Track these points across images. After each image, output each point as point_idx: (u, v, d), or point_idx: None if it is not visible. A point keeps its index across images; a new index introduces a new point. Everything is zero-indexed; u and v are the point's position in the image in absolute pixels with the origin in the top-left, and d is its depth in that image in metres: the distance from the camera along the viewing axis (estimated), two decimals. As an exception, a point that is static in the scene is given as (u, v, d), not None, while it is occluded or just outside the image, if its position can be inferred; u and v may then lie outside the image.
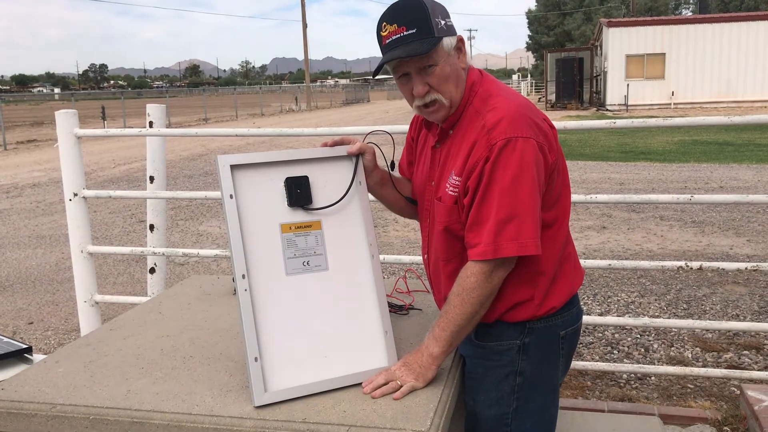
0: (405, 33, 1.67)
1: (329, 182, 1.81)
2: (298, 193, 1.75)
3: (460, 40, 1.76)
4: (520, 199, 1.62)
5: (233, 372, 1.80)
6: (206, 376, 1.78)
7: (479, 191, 1.66)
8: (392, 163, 2.01)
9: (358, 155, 1.85)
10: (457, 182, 1.72)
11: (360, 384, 1.70)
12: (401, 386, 1.66)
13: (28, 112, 44.50)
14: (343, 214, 1.81)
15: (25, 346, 2.37)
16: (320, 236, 1.77)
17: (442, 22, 1.70)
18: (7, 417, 1.67)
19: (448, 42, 1.72)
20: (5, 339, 2.46)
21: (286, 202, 1.75)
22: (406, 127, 2.12)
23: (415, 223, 2.06)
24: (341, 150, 1.84)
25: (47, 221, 9.33)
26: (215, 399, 1.65)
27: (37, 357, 2.34)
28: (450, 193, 1.75)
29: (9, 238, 8.35)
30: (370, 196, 1.95)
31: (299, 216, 1.76)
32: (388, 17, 1.70)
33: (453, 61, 1.74)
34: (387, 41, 1.70)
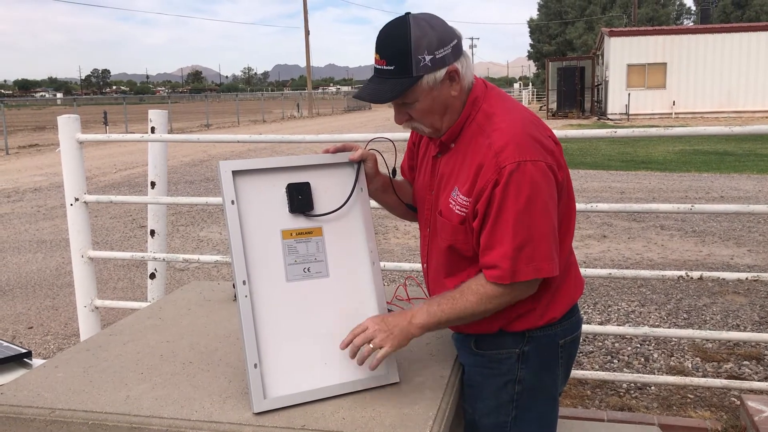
0: (384, 67, 1.65)
1: (331, 189, 1.81)
2: (300, 199, 1.76)
3: (453, 71, 1.67)
4: (534, 223, 1.61)
5: (233, 378, 1.80)
6: (206, 382, 1.78)
7: (491, 215, 1.64)
8: (394, 170, 2.01)
9: (359, 162, 1.85)
10: (465, 202, 1.71)
11: (360, 392, 1.69)
12: (375, 349, 1.65)
13: (30, 117, 44.60)
14: (345, 220, 1.81)
15: (24, 351, 2.37)
16: (321, 243, 1.77)
17: (428, 58, 1.63)
18: (6, 422, 1.67)
19: (431, 78, 1.65)
20: (5, 343, 2.46)
21: (287, 208, 1.75)
22: (407, 135, 2.13)
23: (415, 231, 2.06)
24: (343, 157, 1.84)
25: (48, 226, 9.34)
26: (214, 405, 1.65)
27: (36, 362, 2.34)
28: (457, 212, 1.73)
29: (10, 243, 8.35)
30: (372, 203, 1.95)
31: (300, 222, 1.76)
32: (377, 41, 1.67)
33: (439, 93, 1.68)
34: (374, 66, 1.69)
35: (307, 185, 1.77)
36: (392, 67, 1.64)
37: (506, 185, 1.61)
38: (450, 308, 1.69)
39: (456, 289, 1.74)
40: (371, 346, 1.66)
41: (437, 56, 1.64)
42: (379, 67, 1.66)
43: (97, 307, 3.54)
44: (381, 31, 1.68)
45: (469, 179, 1.69)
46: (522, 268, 1.63)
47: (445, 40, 1.65)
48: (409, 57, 1.62)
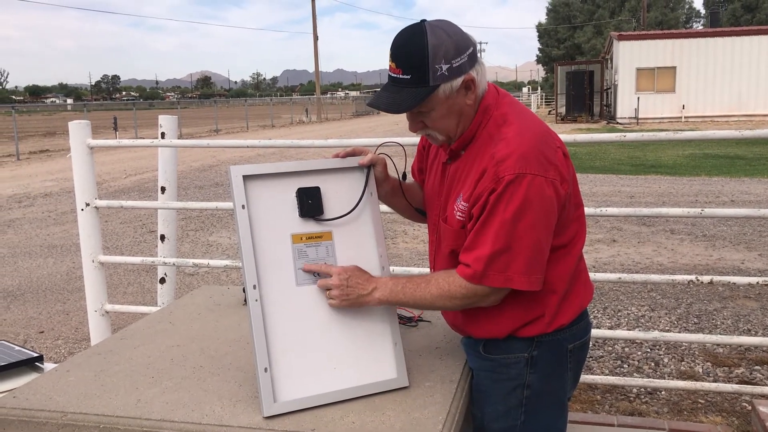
0: (400, 76, 1.65)
1: (340, 193, 1.82)
2: (310, 203, 1.76)
3: (470, 80, 1.67)
4: (517, 234, 1.61)
5: (243, 382, 1.80)
6: (216, 386, 1.79)
7: (481, 219, 1.66)
8: (404, 174, 2.01)
9: (369, 166, 1.86)
10: (464, 208, 1.72)
11: (369, 396, 1.70)
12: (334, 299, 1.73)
13: (41, 123, 44.89)
14: (354, 225, 1.82)
15: (36, 355, 2.38)
16: (331, 247, 1.78)
17: (444, 67, 1.62)
18: (18, 425, 1.68)
19: (448, 87, 1.65)
20: (16, 347, 2.48)
21: (297, 213, 1.76)
22: (416, 139, 2.13)
23: (424, 236, 2.07)
24: (353, 161, 1.85)
25: (59, 231, 9.39)
26: (225, 409, 1.65)
27: (47, 366, 2.35)
28: (458, 218, 1.75)
29: (21, 248, 8.41)
30: (382, 207, 1.95)
31: (310, 226, 1.77)
32: (392, 49, 1.66)
33: (455, 101, 1.68)
34: (389, 74, 1.69)
35: (317, 190, 1.78)
36: (408, 77, 1.63)
37: (501, 194, 1.61)
38: (411, 294, 1.73)
39: (425, 276, 1.76)
40: (326, 293, 1.73)
41: (454, 65, 1.63)
42: (395, 75, 1.66)
43: (107, 312, 3.55)
44: (396, 39, 1.66)
45: (471, 186, 1.71)
46: (492, 274, 1.64)
47: (461, 49, 1.64)
48: (426, 67, 1.61)
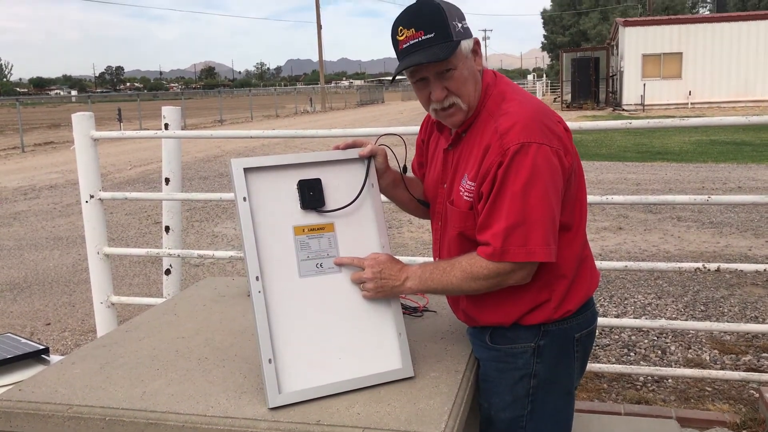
0: (423, 37, 1.67)
1: (341, 185, 1.82)
2: (311, 195, 1.76)
3: (477, 43, 1.75)
4: (530, 205, 1.61)
5: (248, 374, 1.81)
6: (221, 378, 1.79)
7: (492, 195, 1.65)
8: (404, 167, 2.01)
9: (369, 157, 1.86)
10: (471, 187, 1.72)
11: (374, 386, 1.70)
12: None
13: (45, 115, 44.97)
14: (356, 216, 1.81)
15: (42, 347, 2.40)
16: (333, 238, 1.77)
17: (459, 25, 1.69)
18: (24, 417, 1.69)
19: (466, 45, 1.71)
20: (23, 340, 2.49)
21: (299, 205, 1.76)
22: (417, 129, 2.12)
23: (429, 225, 2.06)
24: (353, 153, 1.85)
25: (64, 223, 9.42)
26: (230, 401, 1.66)
27: (54, 358, 2.37)
28: (465, 198, 1.74)
29: (27, 240, 8.44)
30: (384, 198, 1.95)
31: (312, 218, 1.77)
32: (404, 21, 1.69)
33: (470, 64, 1.73)
34: (404, 46, 1.69)
35: (318, 181, 1.78)
36: (432, 34, 1.66)
37: (509, 165, 1.62)
38: (438, 279, 1.74)
39: (449, 260, 1.76)
40: (360, 286, 1.76)
41: (464, 25, 1.72)
42: (417, 39, 1.67)
43: (113, 303, 3.57)
44: (407, 11, 1.70)
45: (476, 163, 1.71)
46: (513, 249, 1.63)
47: (463, 16, 1.73)
48: (447, 24, 1.67)
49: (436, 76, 1.71)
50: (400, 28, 1.69)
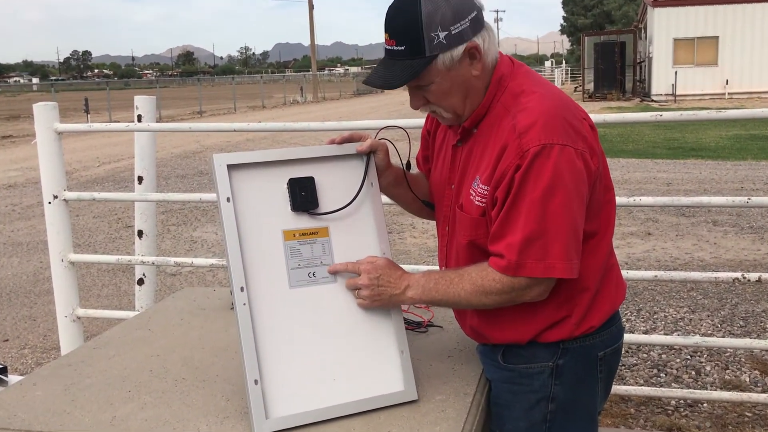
0: (394, 48, 1.67)
1: (337, 184, 1.81)
2: (303, 196, 1.76)
3: (472, 47, 1.67)
4: (550, 214, 1.60)
5: (231, 396, 1.81)
6: (201, 401, 1.79)
7: (507, 201, 1.64)
8: (408, 164, 2.01)
9: (369, 153, 1.85)
10: (484, 191, 1.71)
11: (373, 410, 1.70)
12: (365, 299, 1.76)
13: (3, 105, 45.03)
14: (353, 219, 1.81)
15: (-1, 367, 2.40)
16: (327, 244, 1.77)
17: (442, 35, 1.63)
18: (-21, 445, 1.69)
19: (447, 57, 1.65)
20: (-23, 358, 2.49)
21: (289, 206, 1.76)
22: (422, 121, 2.12)
23: (434, 229, 2.06)
24: (350, 148, 1.85)
25: (24, 226, 9.43)
26: (210, 427, 1.66)
27: (12, 378, 2.37)
28: (477, 203, 1.74)
29: (-18, 246, 8.45)
30: (385, 198, 1.95)
31: (304, 222, 1.77)
32: (386, 19, 1.69)
33: (458, 73, 1.69)
34: (384, 47, 1.70)
35: (311, 180, 1.78)
36: (403, 48, 1.65)
37: (527, 169, 1.60)
38: (444, 291, 1.73)
39: (457, 270, 1.76)
40: (355, 293, 1.76)
41: (453, 32, 1.64)
42: (390, 48, 1.68)
43: (79, 317, 3.57)
44: (389, 8, 1.68)
45: (491, 165, 1.69)
46: (530, 263, 1.62)
47: (462, 13, 1.64)
48: (421, 35, 1.62)
49: (412, 87, 1.72)
50: (384, 23, 1.69)
